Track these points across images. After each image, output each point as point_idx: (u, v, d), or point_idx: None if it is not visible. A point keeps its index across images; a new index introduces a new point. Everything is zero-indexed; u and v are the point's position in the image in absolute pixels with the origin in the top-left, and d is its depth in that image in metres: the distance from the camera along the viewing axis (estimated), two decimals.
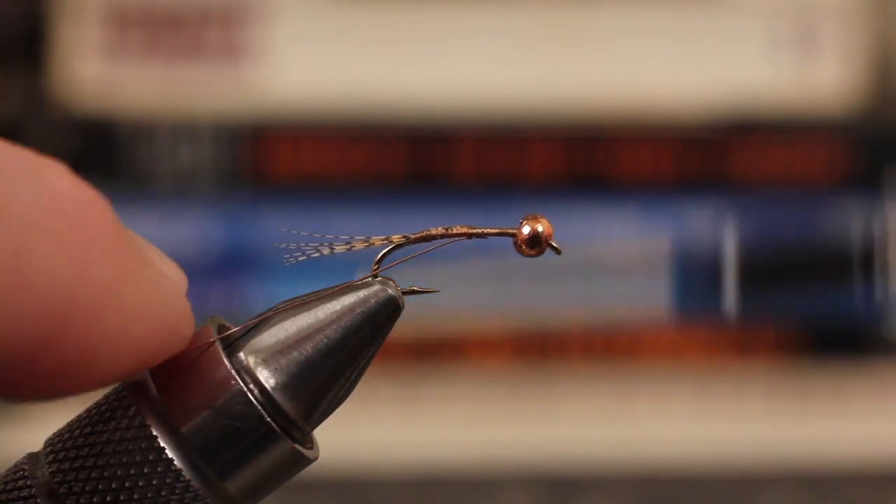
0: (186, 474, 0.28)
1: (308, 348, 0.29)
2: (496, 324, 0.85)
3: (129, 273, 0.26)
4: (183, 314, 0.28)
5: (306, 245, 0.31)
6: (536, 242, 0.31)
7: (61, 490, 0.28)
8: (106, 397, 0.29)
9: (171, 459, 0.28)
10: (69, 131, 0.82)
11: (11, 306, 0.24)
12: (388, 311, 0.30)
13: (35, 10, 0.87)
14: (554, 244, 0.31)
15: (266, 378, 0.29)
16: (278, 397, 0.29)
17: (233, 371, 0.29)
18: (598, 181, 0.85)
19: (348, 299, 0.30)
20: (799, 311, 0.87)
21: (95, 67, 0.83)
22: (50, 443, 0.29)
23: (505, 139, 0.85)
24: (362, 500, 0.82)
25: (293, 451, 0.29)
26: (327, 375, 0.29)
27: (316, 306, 0.29)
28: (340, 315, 0.29)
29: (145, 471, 0.28)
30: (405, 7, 0.85)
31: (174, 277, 0.28)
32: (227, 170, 0.83)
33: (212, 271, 0.83)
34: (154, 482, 0.28)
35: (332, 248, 0.31)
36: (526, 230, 0.31)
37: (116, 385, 0.29)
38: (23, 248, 0.24)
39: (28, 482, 0.28)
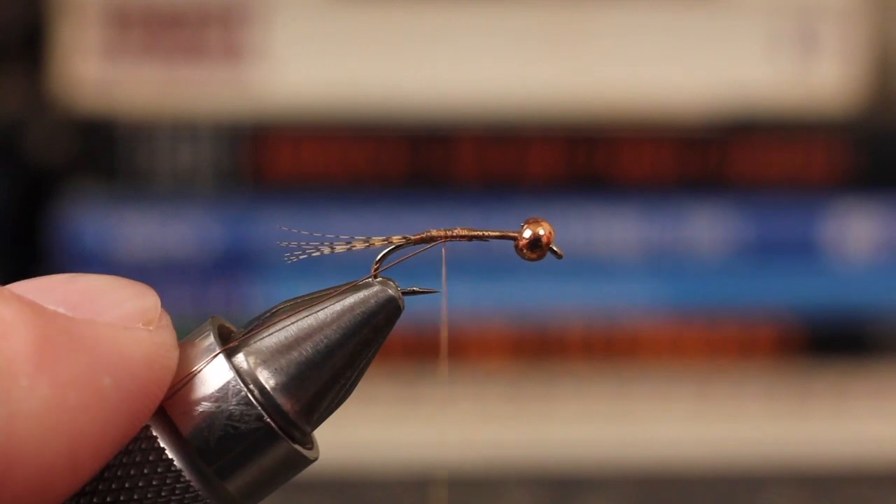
0: (187, 475, 0.28)
1: (308, 349, 0.29)
2: (496, 324, 0.85)
3: (67, 378, 0.25)
4: (149, 360, 0.27)
5: (307, 244, 0.31)
6: (537, 246, 0.31)
7: None
8: None
9: (172, 460, 0.28)
10: (69, 131, 0.82)
11: None
12: (389, 311, 0.30)
13: (35, 10, 0.87)
14: (555, 248, 0.31)
15: (266, 379, 0.29)
16: (278, 398, 0.29)
17: (233, 372, 0.29)
18: (599, 181, 0.85)
19: (348, 299, 0.30)
20: (799, 310, 0.87)
21: (95, 67, 0.83)
22: None
23: (505, 139, 0.85)
24: (362, 500, 0.82)
25: (293, 451, 0.29)
26: (327, 376, 0.29)
27: (316, 307, 0.29)
28: (340, 315, 0.29)
29: (146, 472, 0.28)
30: (405, 7, 0.85)
31: (130, 317, 0.27)
32: (227, 170, 0.83)
33: (212, 271, 0.83)
34: (154, 483, 0.28)
35: (332, 248, 0.31)
36: (527, 234, 0.31)
37: None
38: None
39: None
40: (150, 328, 0.27)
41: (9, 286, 0.27)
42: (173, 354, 0.28)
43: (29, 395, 0.25)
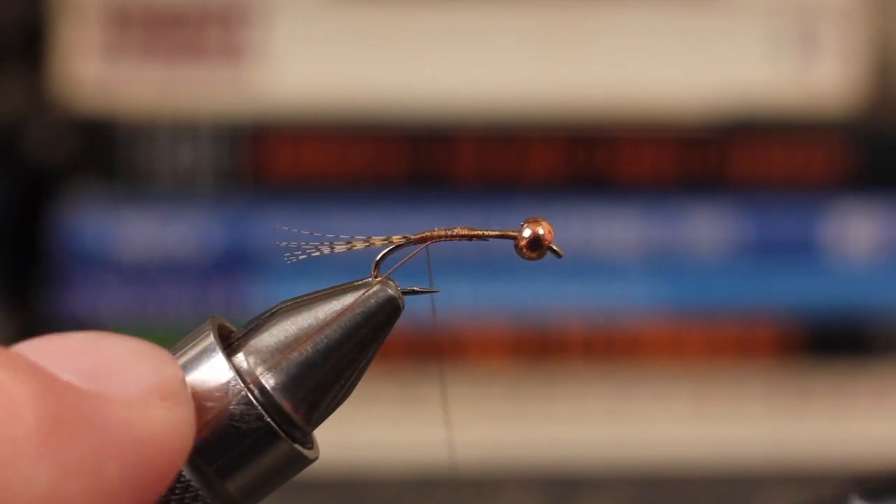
0: (186, 474, 0.28)
1: (308, 348, 0.29)
2: (496, 324, 0.85)
3: (71, 465, 0.24)
4: (163, 441, 0.26)
5: (307, 244, 0.31)
6: (537, 245, 0.31)
7: None
8: None
9: None
10: (69, 131, 0.82)
11: None
12: (388, 311, 0.30)
13: (35, 10, 0.87)
14: (555, 247, 0.31)
15: (266, 378, 0.29)
16: (278, 397, 0.29)
17: (233, 371, 0.29)
18: (598, 181, 0.85)
19: (348, 299, 0.30)
20: (799, 310, 0.87)
21: (95, 67, 0.83)
22: None
23: (505, 139, 0.85)
24: (362, 500, 0.82)
25: (293, 451, 0.29)
26: (327, 375, 0.29)
27: (316, 306, 0.29)
28: (340, 315, 0.29)
29: None
30: (405, 7, 0.85)
31: (149, 391, 0.26)
32: (227, 170, 0.83)
33: (212, 271, 0.83)
34: None
35: (332, 248, 0.31)
36: (527, 233, 0.31)
37: None
38: None
39: None
40: (168, 404, 0.26)
41: (21, 346, 0.25)
42: (190, 431, 0.26)
43: (28, 482, 0.24)
